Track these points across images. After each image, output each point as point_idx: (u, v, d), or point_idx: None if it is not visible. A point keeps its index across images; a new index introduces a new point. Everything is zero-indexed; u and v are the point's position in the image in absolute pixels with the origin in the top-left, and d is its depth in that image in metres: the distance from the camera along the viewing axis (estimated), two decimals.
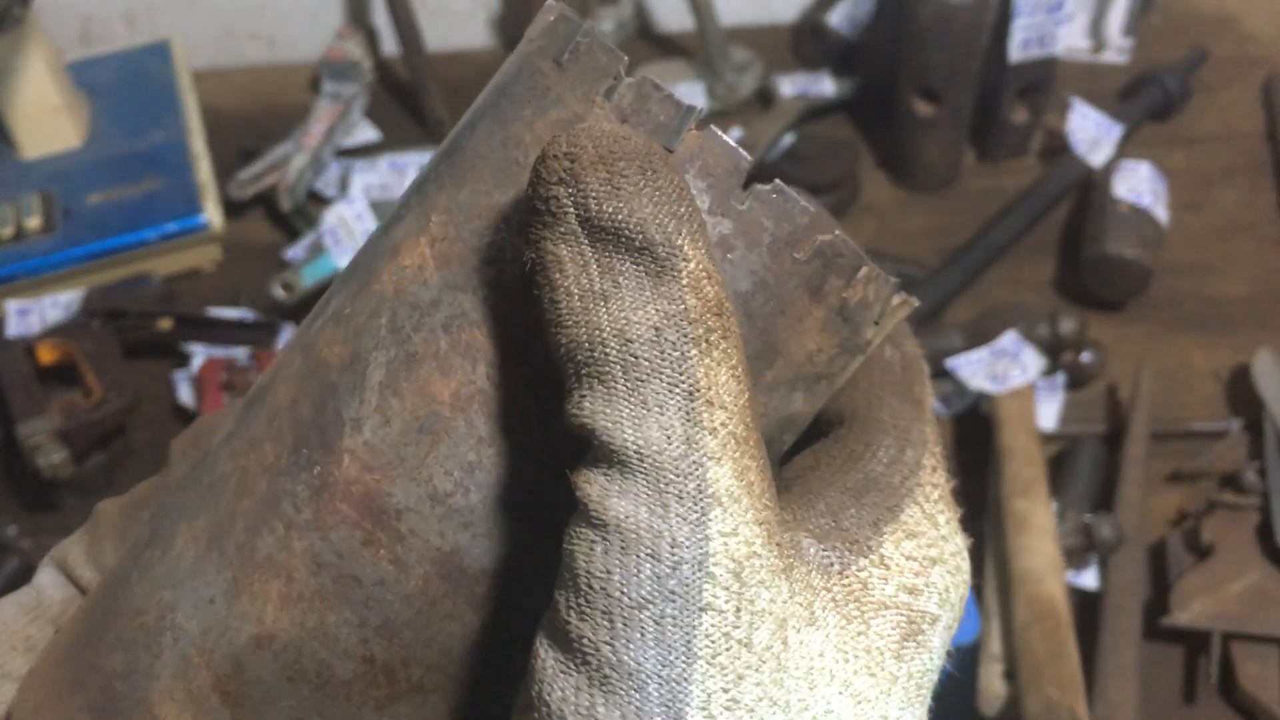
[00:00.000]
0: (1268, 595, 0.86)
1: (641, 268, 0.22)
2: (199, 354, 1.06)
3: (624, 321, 0.22)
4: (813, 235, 0.26)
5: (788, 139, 1.24)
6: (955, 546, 0.26)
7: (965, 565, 0.26)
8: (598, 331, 0.22)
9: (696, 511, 0.22)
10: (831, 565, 0.24)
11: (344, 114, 1.28)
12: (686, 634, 0.21)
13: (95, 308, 1.06)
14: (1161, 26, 1.41)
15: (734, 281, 0.25)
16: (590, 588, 0.22)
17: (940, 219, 1.21)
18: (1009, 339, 1.00)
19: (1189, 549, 0.91)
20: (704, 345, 0.22)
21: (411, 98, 1.35)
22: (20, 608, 0.34)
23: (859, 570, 0.24)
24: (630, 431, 0.22)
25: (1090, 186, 1.18)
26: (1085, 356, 1.02)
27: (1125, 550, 0.90)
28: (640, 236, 0.22)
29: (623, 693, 0.21)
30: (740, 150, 0.26)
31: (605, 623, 0.21)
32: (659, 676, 0.21)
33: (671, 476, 0.21)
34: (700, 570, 0.21)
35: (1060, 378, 1.01)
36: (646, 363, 0.22)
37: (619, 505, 0.22)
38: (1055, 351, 1.01)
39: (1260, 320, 1.10)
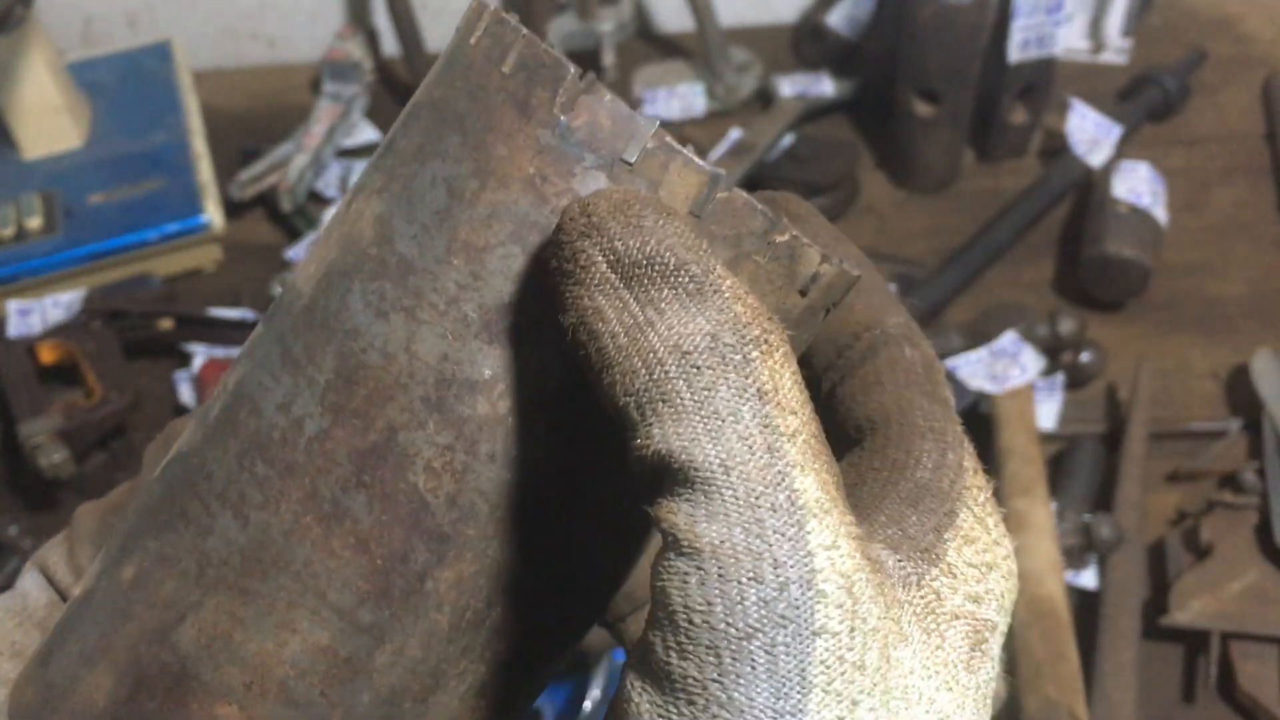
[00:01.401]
0: (1266, 595, 0.86)
1: (681, 289, 0.21)
2: (200, 354, 1.07)
3: (677, 337, 0.21)
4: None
5: (787, 139, 1.24)
6: (1006, 550, 0.25)
7: (1015, 569, 0.25)
8: (652, 354, 0.21)
9: (794, 525, 0.20)
10: (909, 576, 0.23)
11: (345, 114, 1.28)
12: (800, 661, 0.20)
13: (96, 308, 1.06)
14: (1160, 27, 1.41)
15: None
16: (691, 623, 0.20)
17: (940, 219, 1.22)
18: (1008, 339, 1.00)
19: (1188, 549, 0.91)
20: (765, 346, 0.21)
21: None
22: (6, 612, 0.34)
23: (932, 580, 0.24)
24: (709, 445, 0.20)
25: (1089, 187, 1.18)
26: (1084, 356, 1.03)
27: (1124, 550, 0.90)
28: (673, 259, 0.21)
29: None
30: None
31: (711, 658, 0.20)
32: (773, 710, 0.20)
33: (761, 489, 0.20)
34: (809, 590, 0.20)
35: (1059, 378, 1.02)
36: (710, 370, 0.20)
37: (710, 530, 0.20)
38: (1054, 351, 1.01)
39: (1259, 320, 1.10)
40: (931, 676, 0.22)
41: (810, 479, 0.20)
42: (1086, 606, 0.90)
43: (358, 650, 0.26)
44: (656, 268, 0.21)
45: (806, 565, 0.20)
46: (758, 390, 0.21)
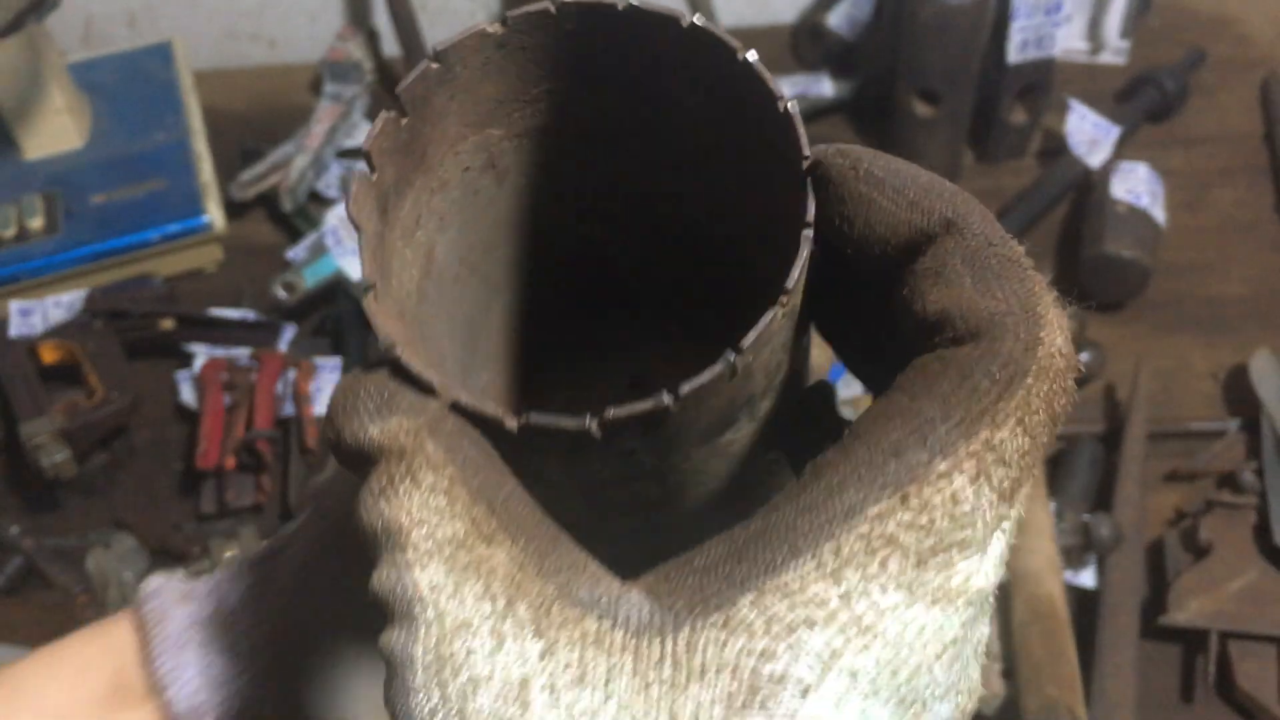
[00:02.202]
0: (1265, 594, 0.86)
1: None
2: (201, 354, 1.07)
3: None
4: None
5: None
6: (868, 606, 0.22)
7: (892, 631, 0.22)
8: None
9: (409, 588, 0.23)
10: (648, 626, 0.22)
11: (345, 115, 1.28)
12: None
13: (97, 308, 1.06)
14: (1159, 28, 1.42)
15: None
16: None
17: None
18: None
19: (1186, 548, 0.91)
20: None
21: None
22: None
23: (688, 631, 0.22)
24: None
25: (1088, 187, 1.18)
26: (1083, 356, 1.03)
27: (1123, 550, 0.91)
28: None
29: None
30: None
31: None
32: None
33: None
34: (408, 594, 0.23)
35: None
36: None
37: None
38: None
39: (1258, 320, 1.10)
40: None
41: (431, 569, 0.23)
42: (1085, 606, 0.90)
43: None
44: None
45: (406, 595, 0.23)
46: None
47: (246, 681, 0.37)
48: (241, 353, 1.06)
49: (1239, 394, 1.02)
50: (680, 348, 0.36)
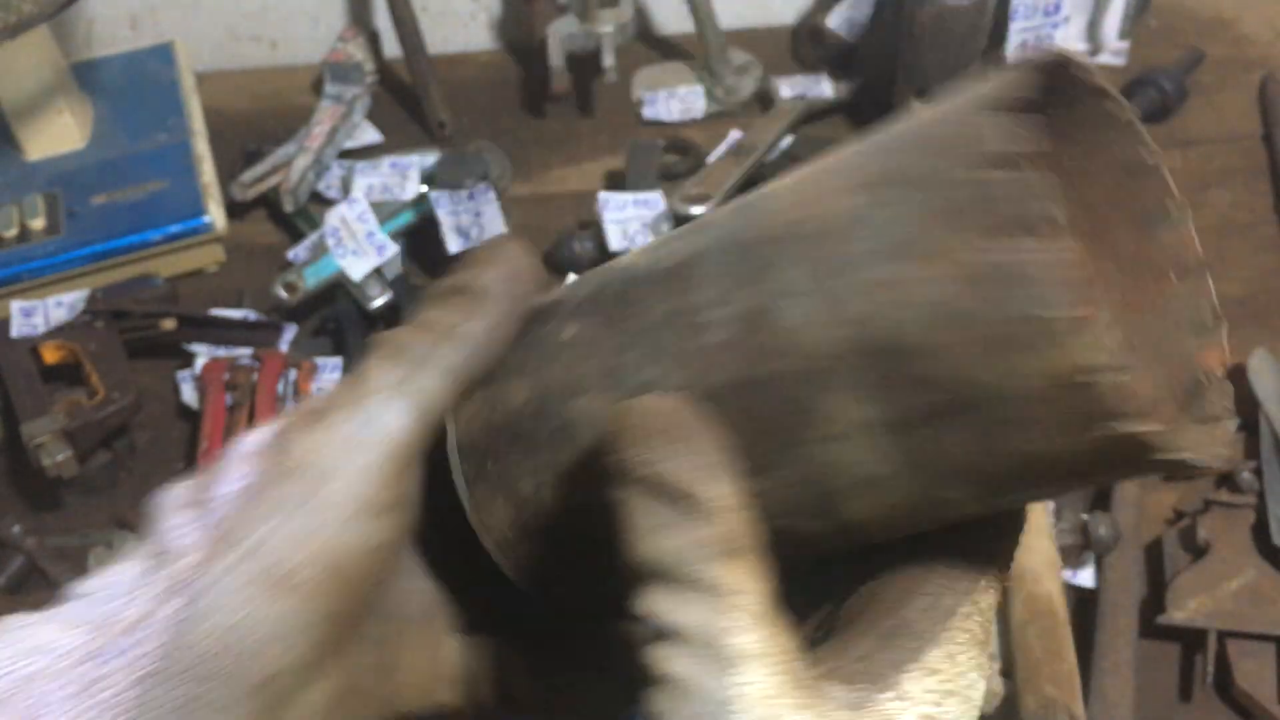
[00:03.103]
0: (1263, 593, 0.87)
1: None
2: (202, 354, 1.07)
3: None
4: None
5: (787, 141, 1.25)
6: (969, 680, 0.29)
7: (977, 694, 0.29)
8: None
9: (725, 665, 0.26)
10: (860, 703, 0.27)
11: (346, 116, 1.29)
12: None
13: (99, 308, 1.06)
14: (1157, 29, 1.42)
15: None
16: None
17: None
18: None
19: (1185, 548, 0.91)
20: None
21: (413, 100, 1.36)
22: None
23: (883, 703, 0.28)
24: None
25: None
26: None
27: (1121, 549, 0.91)
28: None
29: None
30: None
31: None
32: None
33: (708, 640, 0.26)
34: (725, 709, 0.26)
35: None
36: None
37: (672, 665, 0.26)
38: None
39: (1256, 320, 1.10)
40: None
41: (748, 638, 0.26)
42: (1084, 605, 0.90)
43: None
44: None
45: (727, 692, 0.25)
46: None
47: None
48: (243, 353, 1.06)
49: (1237, 394, 1.01)
50: None
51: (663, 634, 0.26)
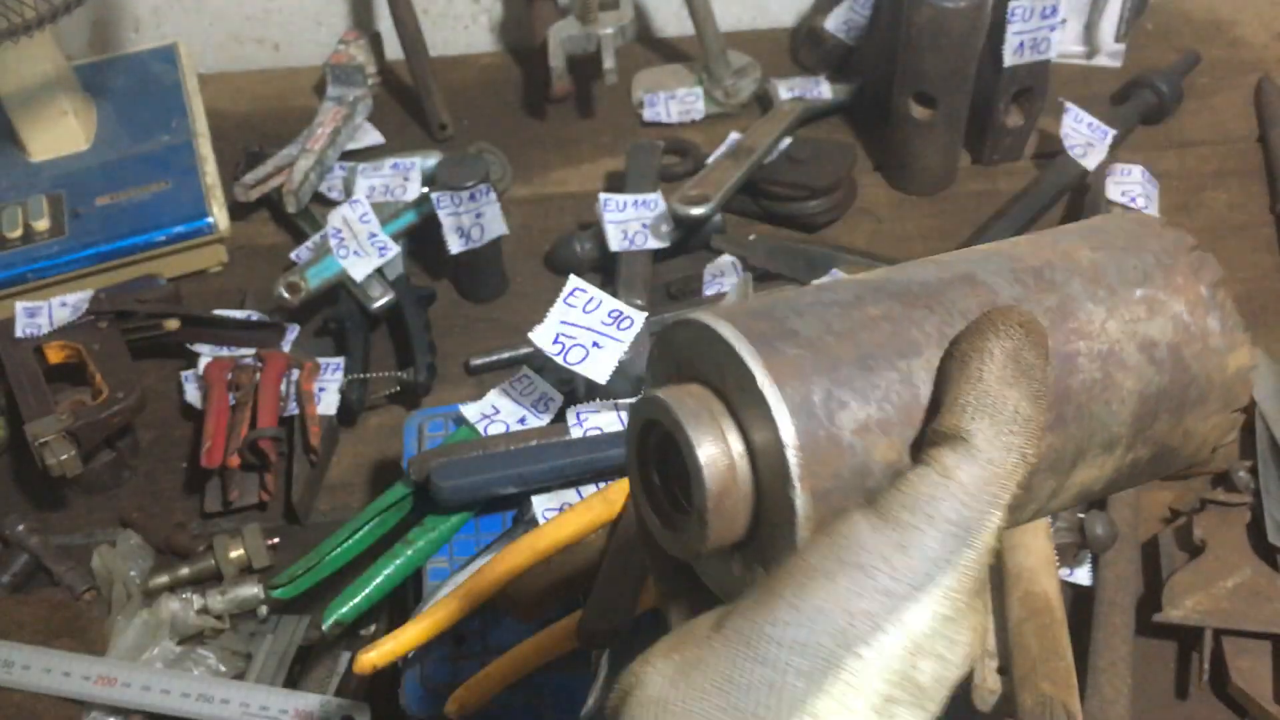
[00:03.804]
0: (1259, 592, 0.87)
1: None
2: (205, 354, 1.08)
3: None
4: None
5: (785, 142, 1.26)
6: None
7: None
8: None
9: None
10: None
11: (348, 117, 1.29)
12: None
13: (103, 308, 1.07)
14: (1154, 31, 1.43)
15: None
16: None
17: (936, 221, 1.23)
18: None
19: (1181, 546, 0.92)
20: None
21: (414, 101, 1.36)
22: None
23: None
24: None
25: (1084, 189, 1.19)
26: None
27: (1118, 548, 0.91)
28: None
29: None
30: None
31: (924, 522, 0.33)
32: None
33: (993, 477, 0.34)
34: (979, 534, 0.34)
35: None
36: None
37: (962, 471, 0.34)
38: None
39: (1251, 321, 1.10)
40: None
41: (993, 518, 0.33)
42: (1081, 603, 0.91)
43: None
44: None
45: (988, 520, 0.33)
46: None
47: None
48: (246, 353, 1.07)
49: None
50: None
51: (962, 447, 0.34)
